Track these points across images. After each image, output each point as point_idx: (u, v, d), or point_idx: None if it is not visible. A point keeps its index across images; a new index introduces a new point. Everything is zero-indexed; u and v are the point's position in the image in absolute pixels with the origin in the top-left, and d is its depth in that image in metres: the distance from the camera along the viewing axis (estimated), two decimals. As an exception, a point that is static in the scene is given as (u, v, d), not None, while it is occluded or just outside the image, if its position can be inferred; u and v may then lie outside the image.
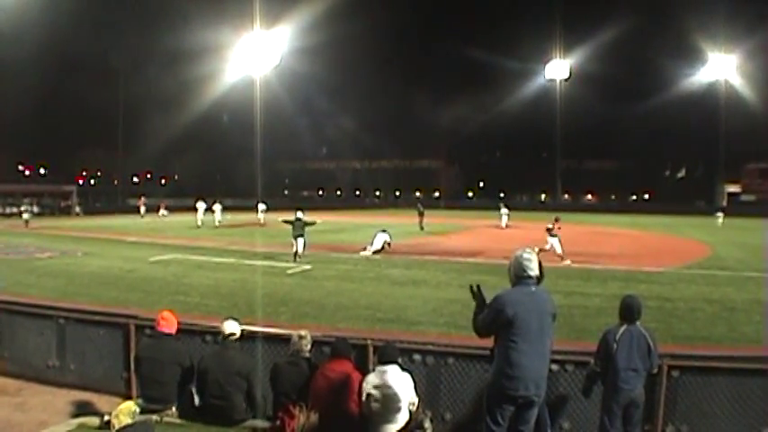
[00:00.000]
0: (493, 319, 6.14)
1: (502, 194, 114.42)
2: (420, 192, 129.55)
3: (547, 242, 26.88)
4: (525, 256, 6.36)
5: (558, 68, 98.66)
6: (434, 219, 60.25)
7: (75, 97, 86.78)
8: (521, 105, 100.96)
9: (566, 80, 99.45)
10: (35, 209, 65.27)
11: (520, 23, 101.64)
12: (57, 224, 51.53)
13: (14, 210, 48.86)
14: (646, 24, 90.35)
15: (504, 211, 52.72)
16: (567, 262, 25.35)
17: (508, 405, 6.14)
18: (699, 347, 11.58)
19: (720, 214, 54.60)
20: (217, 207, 51.17)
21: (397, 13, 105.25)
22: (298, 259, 25.66)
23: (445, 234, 43.04)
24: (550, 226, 27.22)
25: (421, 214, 48.67)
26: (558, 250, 26.32)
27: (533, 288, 6.28)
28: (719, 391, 7.33)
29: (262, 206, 54.41)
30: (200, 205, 50.44)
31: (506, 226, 50.96)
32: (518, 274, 6.34)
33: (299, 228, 26.23)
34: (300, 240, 26.05)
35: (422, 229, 46.45)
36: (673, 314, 15.26)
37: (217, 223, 49.63)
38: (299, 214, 26.88)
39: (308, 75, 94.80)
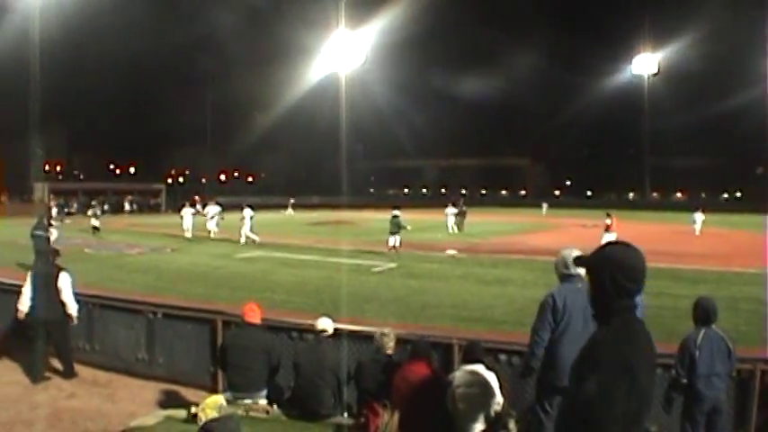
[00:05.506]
0: (545, 314, 6.59)
1: (589, 193, 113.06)
2: (506, 190, 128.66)
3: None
4: (574, 254, 6.29)
5: (645, 63, 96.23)
6: (520, 217, 59.94)
7: (165, 97, 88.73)
8: (608, 101, 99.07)
9: (654, 75, 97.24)
10: (131, 206, 65.99)
11: (607, 18, 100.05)
12: (142, 221, 52.71)
13: (96, 211, 43.15)
14: (738, 18, 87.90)
15: (449, 210, 42.82)
16: None
17: (555, 395, 6.49)
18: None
19: (545, 204, 54.83)
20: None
21: (481, 8, 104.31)
22: (394, 253, 26.43)
23: (526, 233, 42.50)
24: (609, 222, 27.72)
25: (462, 214, 42.61)
26: None
27: (579, 285, 6.50)
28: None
29: (191, 211, 36.89)
30: (186, 211, 36.47)
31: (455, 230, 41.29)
32: (563, 272, 6.74)
33: (394, 225, 26.94)
34: (395, 237, 26.88)
35: (460, 230, 41.12)
36: (768, 317, 14.77)
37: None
38: (396, 212, 27.45)
39: (394, 72, 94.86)
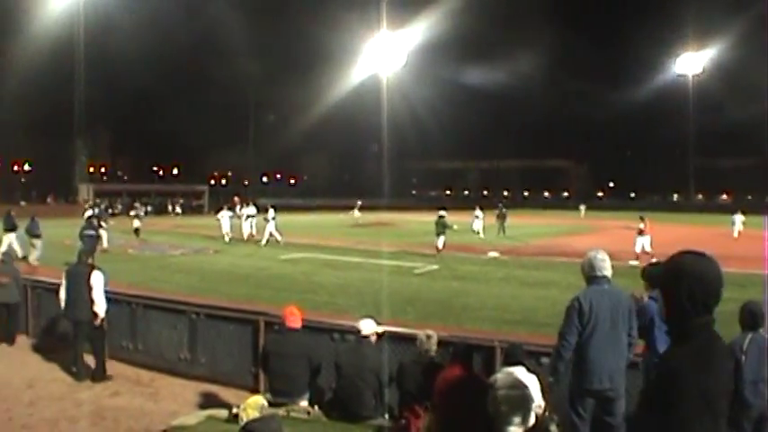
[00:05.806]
0: (571, 317, 6.55)
1: (633, 194, 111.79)
2: (549, 192, 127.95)
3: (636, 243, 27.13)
4: (599, 257, 6.78)
5: (689, 63, 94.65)
6: (559, 219, 59.62)
7: (208, 100, 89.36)
8: (652, 102, 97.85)
9: (698, 75, 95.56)
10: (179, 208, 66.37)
11: (651, 18, 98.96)
12: (187, 223, 53.14)
13: (139, 212, 41.37)
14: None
15: (477, 213, 41.22)
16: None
17: (587, 398, 6.55)
18: None
19: (583, 207, 69.37)
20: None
21: (523, 8, 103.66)
22: (436, 254, 26.74)
23: (569, 235, 42.18)
24: (642, 225, 27.62)
25: (502, 217, 42.01)
26: (648, 250, 26.20)
27: (606, 286, 6.66)
28: None
29: (228, 214, 36.14)
30: (224, 214, 35.59)
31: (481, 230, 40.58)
32: (590, 274, 6.75)
33: (440, 226, 27.45)
34: (441, 238, 27.37)
35: (504, 233, 40.67)
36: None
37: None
38: (442, 213, 28.09)
39: (434, 73, 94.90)
